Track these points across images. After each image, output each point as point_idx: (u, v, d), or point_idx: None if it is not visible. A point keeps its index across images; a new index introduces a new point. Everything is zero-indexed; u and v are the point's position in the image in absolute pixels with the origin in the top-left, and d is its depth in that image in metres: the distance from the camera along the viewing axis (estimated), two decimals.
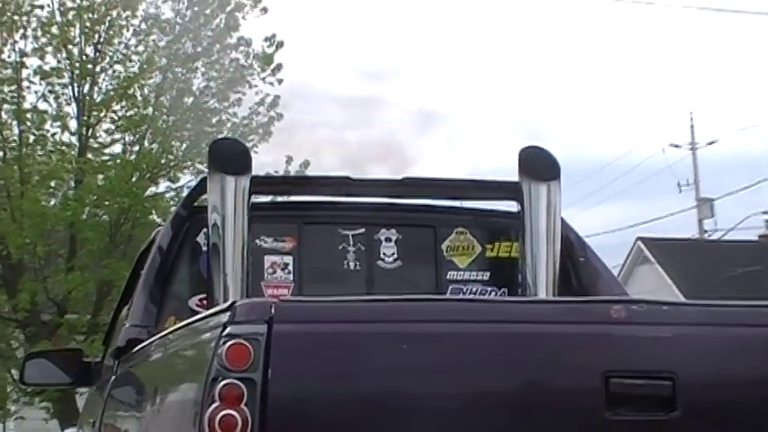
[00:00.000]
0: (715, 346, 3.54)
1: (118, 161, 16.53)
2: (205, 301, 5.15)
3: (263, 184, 5.58)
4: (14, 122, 16.40)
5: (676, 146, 34.48)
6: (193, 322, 3.86)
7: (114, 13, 16.60)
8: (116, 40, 16.75)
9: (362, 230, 5.56)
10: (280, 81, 17.21)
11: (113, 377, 5.24)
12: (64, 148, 16.54)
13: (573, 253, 5.50)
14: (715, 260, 28.05)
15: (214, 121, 16.99)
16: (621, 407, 3.37)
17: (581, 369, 3.42)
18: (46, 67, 16.40)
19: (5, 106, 16.35)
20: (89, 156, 16.59)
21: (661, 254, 29.55)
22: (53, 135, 16.54)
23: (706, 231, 33.43)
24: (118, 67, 16.77)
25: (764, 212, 31.26)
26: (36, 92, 16.50)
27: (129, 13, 16.68)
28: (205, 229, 5.23)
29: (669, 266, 28.89)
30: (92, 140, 16.76)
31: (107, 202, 16.21)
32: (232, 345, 3.23)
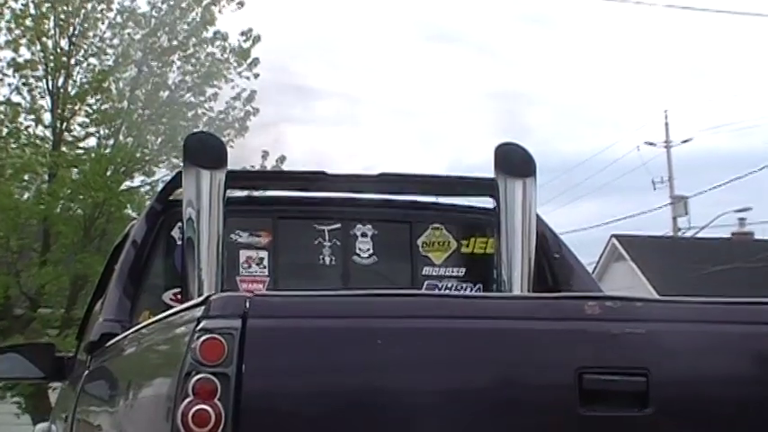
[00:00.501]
0: (688, 343, 3.56)
1: (92, 155, 16.45)
2: (179, 296, 5.14)
3: (238, 178, 5.57)
4: None
5: (651, 144, 34.63)
6: (167, 317, 3.85)
7: (89, 6, 16.52)
8: (91, 33, 16.67)
9: (338, 226, 5.56)
10: (256, 75, 17.19)
11: (86, 372, 5.22)
12: (38, 141, 16.45)
13: (548, 249, 5.52)
14: (689, 258, 28.19)
15: (190, 115, 16.94)
16: (595, 403, 3.38)
17: (555, 365, 3.44)
18: (20, 60, 16.30)
19: None
20: (63, 149, 16.51)
21: (635, 251, 29.68)
22: (27, 128, 16.44)
23: (680, 229, 33.60)
24: (93, 60, 16.70)
25: (737, 210, 31.47)
26: (9, 84, 16.41)
27: (104, 5, 16.60)
28: (180, 224, 5.22)
29: (643, 264, 29.03)
30: (66, 134, 16.67)
31: (81, 196, 16.13)
32: (206, 339, 3.23)
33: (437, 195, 5.75)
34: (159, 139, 16.86)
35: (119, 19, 16.75)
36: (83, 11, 16.47)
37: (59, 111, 16.42)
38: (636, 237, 30.48)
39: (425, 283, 5.56)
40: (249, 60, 17.10)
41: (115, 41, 16.79)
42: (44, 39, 16.30)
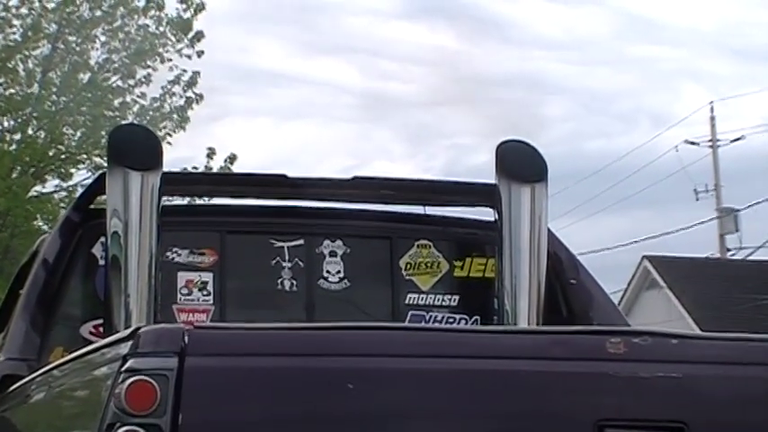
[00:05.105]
0: (735, 389, 3.58)
1: None
2: (101, 329, 5.14)
3: (177, 182, 5.57)
4: None
5: (693, 143, 34.79)
6: (86, 354, 3.85)
7: None
8: None
9: (301, 242, 5.58)
10: (200, 53, 17.20)
11: None
12: None
13: (562, 273, 5.55)
14: (739, 285, 28.31)
15: (116, 103, 16.94)
16: None
17: (569, 417, 3.46)
18: None
19: None
20: None
21: (672, 276, 29.79)
22: None
23: (729, 249, 33.76)
24: None
25: None
26: None
27: None
28: (103, 239, 5.22)
29: (682, 292, 29.13)
30: None
31: None
32: (134, 382, 3.23)
33: (424, 205, 5.77)
34: (78, 133, 16.84)
35: None
36: None
37: None
38: (673, 259, 30.60)
39: (409, 313, 5.58)
40: (191, 34, 17.11)
41: (23, 11, 16.77)
42: None
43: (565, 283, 5.55)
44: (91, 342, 4.65)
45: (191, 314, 5.40)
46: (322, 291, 5.55)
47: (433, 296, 5.63)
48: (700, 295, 28.34)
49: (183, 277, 5.45)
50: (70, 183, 16.85)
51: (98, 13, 16.84)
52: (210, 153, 17.03)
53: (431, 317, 5.59)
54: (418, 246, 5.68)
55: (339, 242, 5.61)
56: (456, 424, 3.43)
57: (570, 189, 31.83)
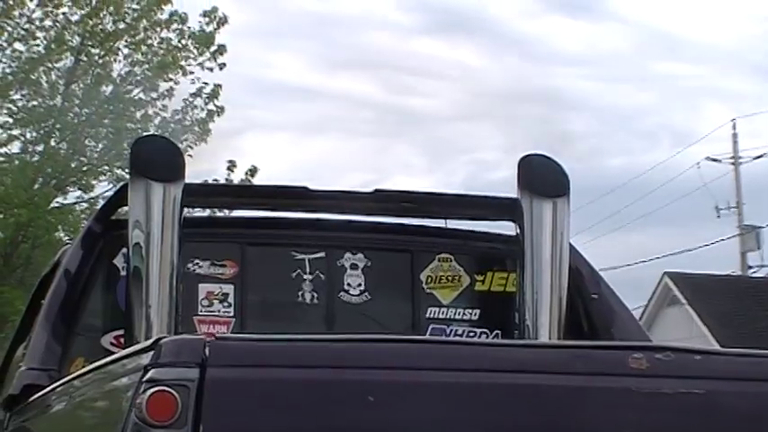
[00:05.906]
0: (757, 406, 3.57)
1: (16, 163, 16.47)
2: (122, 339, 5.15)
3: (198, 194, 5.58)
4: None
5: (715, 160, 34.73)
6: (107, 364, 3.86)
7: None
8: (16, 12, 16.73)
9: (322, 255, 5.58)
10: (222, 66, 17.26)
11: None
12: None
13: (583, 288, 5.54)
14: (760, 301, 28.24)
15: (138, 115, 17.01)
16: None
17: None
18: None
19: None
20: None
21: (693, 293, 29.72)
22: None
23: (750, 267, 33.68)
24: (18, 45, 16.75)
25: None
26: None
27: None
28: (124, 250, 5.23)
29: (703, 309, 29.06)
30: None
31: (0, 215, 16.14)
32: (155, 393, 3.24)
33: (446, 219, 5.77)
34: (100, 145, 16.91)
35: None
36: None
37: None
38: (694, 276, 30.53)
39: (430, 327, 5.58)
40: (213, 48, 17.16)
41: (47, 23, 16.84)
42: None
43: (586, 298, 5.54)
44: (112, 352, 4.66)
45: (211, 326, 5.41)
46: (342, 303, 5.55)
47: (453, 310, 5.63)
48: (721, 312, 28.26)
49: (203, 289, 5.46)
50: (92, 194, 16.94)
51: (121, 25, 16.92)
52: (231, 166, 17.08)
53: (451, 330, 5.59)
54: (439, 259, 5.68)
55: (360, 255, 5.61)
56: None
57: (592, 205, 31.78)
